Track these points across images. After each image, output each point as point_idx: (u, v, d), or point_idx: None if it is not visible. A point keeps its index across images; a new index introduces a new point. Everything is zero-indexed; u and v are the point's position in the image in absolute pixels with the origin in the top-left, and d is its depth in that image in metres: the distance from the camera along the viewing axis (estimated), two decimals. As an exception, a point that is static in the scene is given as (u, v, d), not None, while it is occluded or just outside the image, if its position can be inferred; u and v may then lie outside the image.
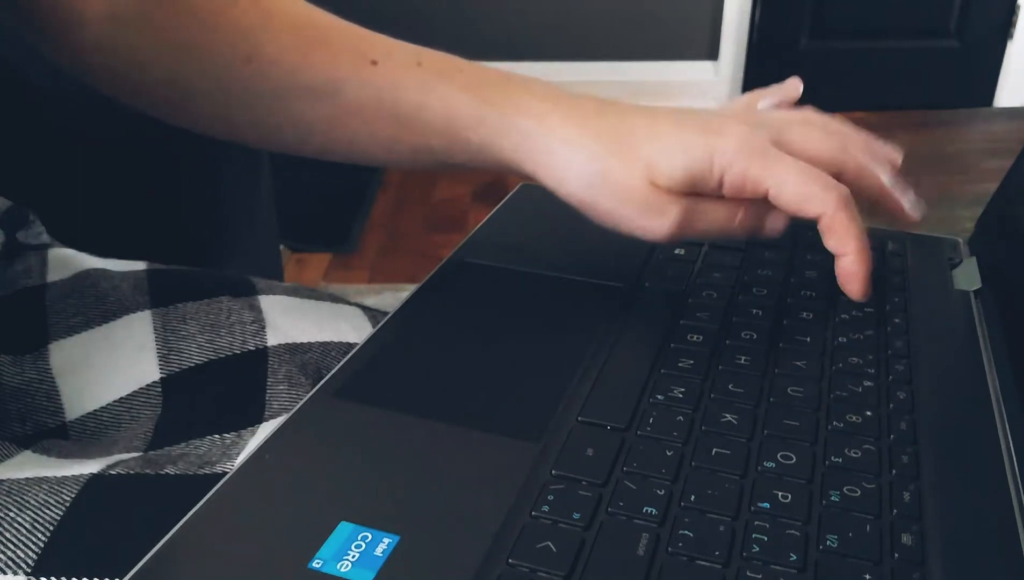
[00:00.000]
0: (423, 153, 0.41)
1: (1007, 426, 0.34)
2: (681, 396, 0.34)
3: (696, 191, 0.38)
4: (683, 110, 0.39)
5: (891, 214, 0.40)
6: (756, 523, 0.28)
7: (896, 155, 0.42)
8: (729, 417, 0.33)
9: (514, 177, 0.42)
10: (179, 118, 0.43)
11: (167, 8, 0.39)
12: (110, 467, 0.34)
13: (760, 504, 0.29)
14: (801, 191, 0.37)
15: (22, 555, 0.30)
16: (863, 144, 0.40)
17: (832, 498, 0.29)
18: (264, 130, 0.42)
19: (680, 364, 0.36)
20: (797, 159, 0.37)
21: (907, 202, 0.40)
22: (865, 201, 0.39)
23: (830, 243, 0.37)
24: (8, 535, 0.31)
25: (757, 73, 2.67)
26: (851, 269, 0.37)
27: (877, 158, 0.40)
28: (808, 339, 0.39)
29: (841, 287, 0.38)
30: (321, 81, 0.40)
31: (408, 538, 0.27)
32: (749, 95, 0.47)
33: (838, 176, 0.38)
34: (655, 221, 0.37)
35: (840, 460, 0.31)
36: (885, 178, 0.40)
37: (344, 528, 0.27)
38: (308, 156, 0.43)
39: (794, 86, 0.47)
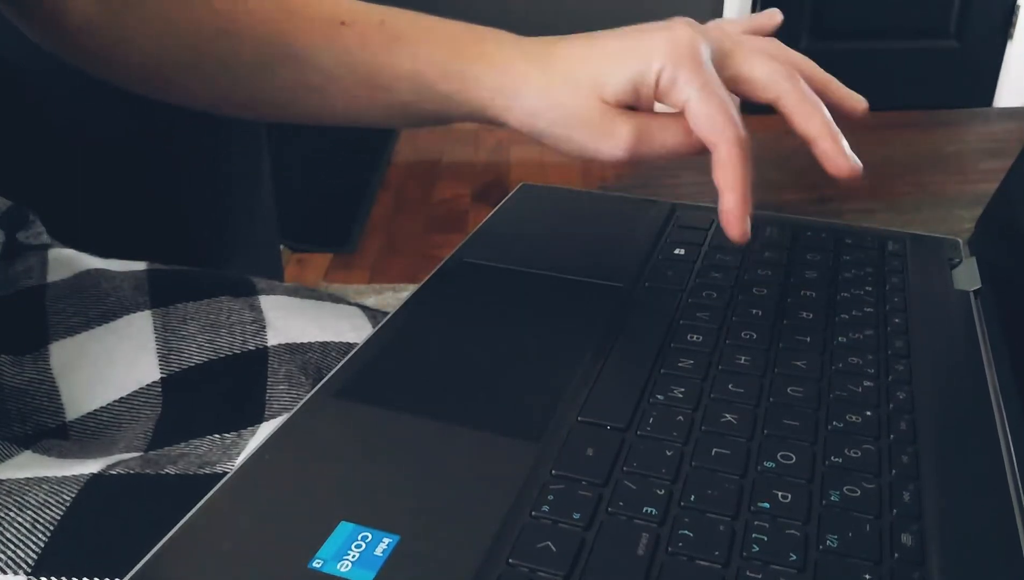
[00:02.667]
0: (398, 109, 0.43)
1: (1007, 426, 0.34)
2: (681, 396, 0.34)
3: (642, 100, 0.38)
4: (640, 24, 0.40)
5: (820, 162, 0.39)
6: (756, 523, 0.28)
7: (857, 103, 0.43)
8: (729, 417, 0.33)
9: (512, 175, 0.43)
10: (162, 93, 0.44)
11: None
12: (110, 467, 0.34)
13: (760, 504, 0.29)
14: (710, 114, 0.37)
15: (22, 555, 0.30)
16: (806, 83, 0.40)
17: (832, 498, 0.29)
18: (245, 100, 0.44)
19: (680, 364, 0.36)
20: (720, 82, 0.38)
21: (835, 149, 0.39)
22: (799, 139, 0.40)
23: (716, 176, 0.38)
24: (8, 535, 0.31)
25: (757, 73, 2.67)
26: (729, 205, 0.38)
27: (815, 102, 0.39)
28: (808, 339, 0.39)
29: (722, 227, 0.38)
30: (295, 49, 0.41)
31: (408, 538, 0.27)
32: (727, 19, 0.48)
33: (772, 105, 0.39)
34: (609, 140, 0.38)
35: (840, 460, 0.31)
36: (818, 121, 0.39)
37: (344, 528, 0.27)
38: (291, 122, 0.45)
39: (769, 15, 0.48)
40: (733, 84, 0.40)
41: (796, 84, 0.39)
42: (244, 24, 0.41)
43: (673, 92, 0.38)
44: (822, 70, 0.43)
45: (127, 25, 0.41)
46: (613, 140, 0.38)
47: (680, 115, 0.39)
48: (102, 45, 0.41)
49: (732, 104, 0.38)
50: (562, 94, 0.39)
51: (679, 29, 0.38)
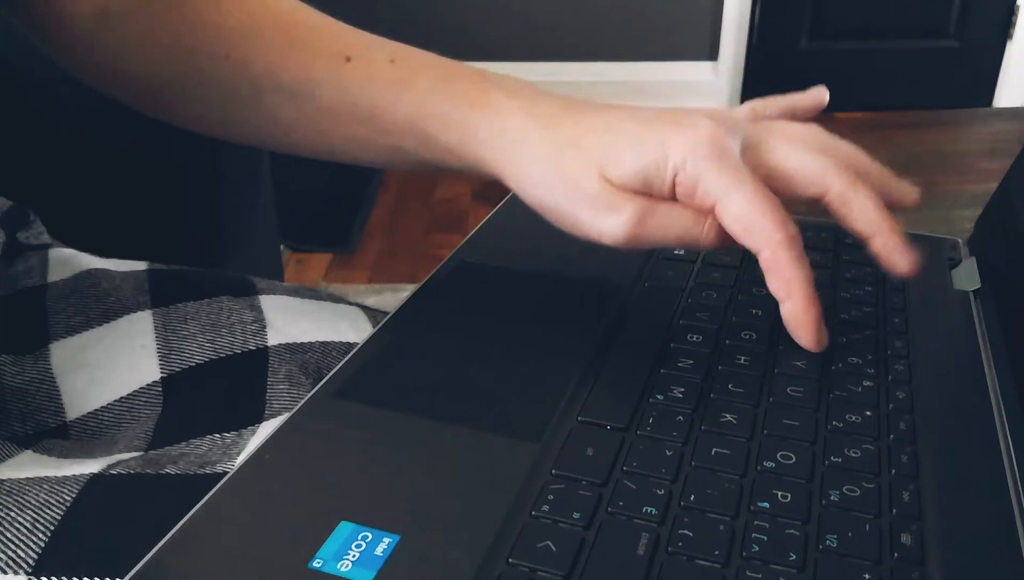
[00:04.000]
0: (397, 153, 0.41)
1: (1007, 426, 0.34)
2: (681, 396, 0.34)
3: (652, 191, 0.35)
4: (658, 109, 0.37)
5: (878, 260, 0.36)
6: (756, 523, 0.28)
7: (908, 193, 0.39)
8: (729, 417, 0.33)
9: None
10: (160, 112, 0.44)
11: (153, 5, 0.40)
12: (110, 467, 0.34)
13: (760, 504, 0.29)
14: (745, 214, 0.33)
15: (22, 555, 0.30)
16: (855, 175, 0.36)
17: (832, 498, 0.29)
18: (242, 127, 0.43)
19: (680, 364, 0.36)
20: (757, 178, 0.34)
21: (893, 246, 0.36)
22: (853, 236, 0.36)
23: (770, 284, 0.34)
24: (8, 535, 0.31)
25: (757, 74, 2.67)
26: (793, 317, 0.35)
27: (868, 194, 0.35)
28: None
29: (793, 337, 0.35)
30: (296, 81, 0.40)
31: (408, 538, 0.27)
32: (760, 101, 0.43)
33: (819, 201, 0.35)
34: (608, 220, 0.35)
35: (840, 460, 0.31)
36: (871, 215, 0.35)
37: (344, 528, 0.27)
38: (288, 153, 0.44)
39: (813, 95, 0.43)
40: (769, 179, 0.35)
41: (842, 175, 0.35)
42: (246, 51, 0.40)
43: (698, 192, 0.34)
44: (869, 158, 0.39)
45: (126, 40, 0.40)
46: (615, 218, 0.35)
47: (687, 203, 0.35)
48: (103, 61, 0.41)
49: (772, 197, 0.34)
50: (563, 161, 0.36)
51: (701, 123, 0.35)
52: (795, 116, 0.42)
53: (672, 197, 0.35)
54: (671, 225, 0.35)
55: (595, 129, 0.36)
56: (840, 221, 0.36)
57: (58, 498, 0.32)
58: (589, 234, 0.36)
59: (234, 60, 0.40)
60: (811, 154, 0.36)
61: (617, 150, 0.35)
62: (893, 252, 0.35)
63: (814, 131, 0.38)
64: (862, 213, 0.35)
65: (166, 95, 0.42)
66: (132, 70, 0.41)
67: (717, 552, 0.27)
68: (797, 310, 0.34)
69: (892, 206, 0.37)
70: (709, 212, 0.34)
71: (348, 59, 0.39)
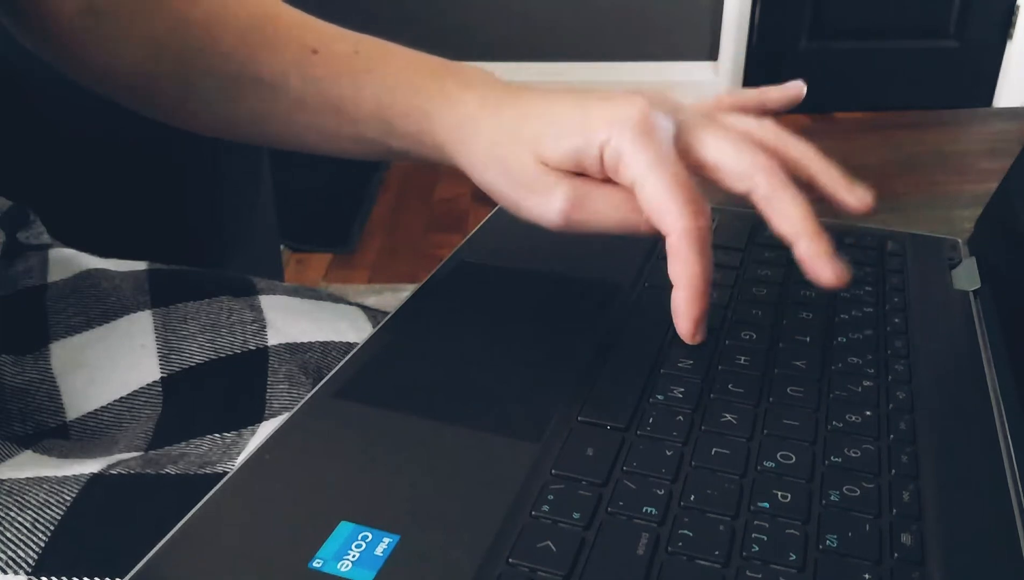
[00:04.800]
0: (366, 143, 0.41)
1: (1007, 426, 0.34)
2: (681, 396, 0.34)
3: (587, 172, 0.35)
4: (603, 90, 0.36)
5: (800, 266, 0.34)
6: (756, 523, 0.28)
7: (858, 199, 0.37)
8: (729, 417, 0.33)
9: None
10: (144, 108, 0.44)
11: (136, 2, 0.40)
12: (110, 467, 0.34)
13: (760, 504, 0.29)
14: (659, 196, 0.33)
15: (22, 555, 0.30)
16: (784, 176, 0.34)
17: (832, 498, 0.29)
18: (221, 122, 0.43)
19: (680, 364, 0.36)
20: (679, 162, 0.33)
21: (814, 252, 0.34)
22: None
23: (669, 269, 0.34)
24: (8, 535, 0.31)
25: (757, 73, 2.67)
26: (676, 305, 0.34)
27: (794, 196, 0.34)
28: (808, 339, 0.39)
29: (674, 323, 0.35)
30: (267, 74, 0.41)
31: (408, 538, 0.27)
32: (729, 93, 0.43)
33: (746, 199, 0.34)
34: (543, 201, 0.35)
35: (840, 460, 0.31)
36: (793, 218, 0.34)
37: (344, 528, 0.27)
38: (266, 146, 0.45)
39: (788, 88, 0.42)
40: (699, 170, 0.36)
41: (770, 174, 0.34)
42: (223, 45, 0.41)
43: (620, 169, 0.34)
44: (820, 158, 0.38)
45: (111, 37, 0.41)
46: (549, 199, 0.35)
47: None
48: (89, 56, 0.42)
49: (689, 183, 0.33)
50: (503, 147, 0.36)
51: (633, 100, 0.34)
52: (765, 110, 0.42)
53: (608, 176, 0.35)
54: (608, 209, 0.35)
55: (534, 113, 0.36)
56: (767, 222, 0.35)
57: (58, 498, 0.32)
58: (532, 218, 0.36)
59: (211, 55, 0.41)
60: (744, 149, 0.35)
61: (550, 131, 0.35)
62: (816, 259, 0.34)
63: (762, 126, 0.37)
64: (787, 215, 0.34)
65: (151, 91, 0.43)
66: (118, 66, 0.42)
67: (717, 552, 0.27)
68: (681, 300, 0.34)
69: (847, 212, 0.37)
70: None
71: (314, 51, 0.40)
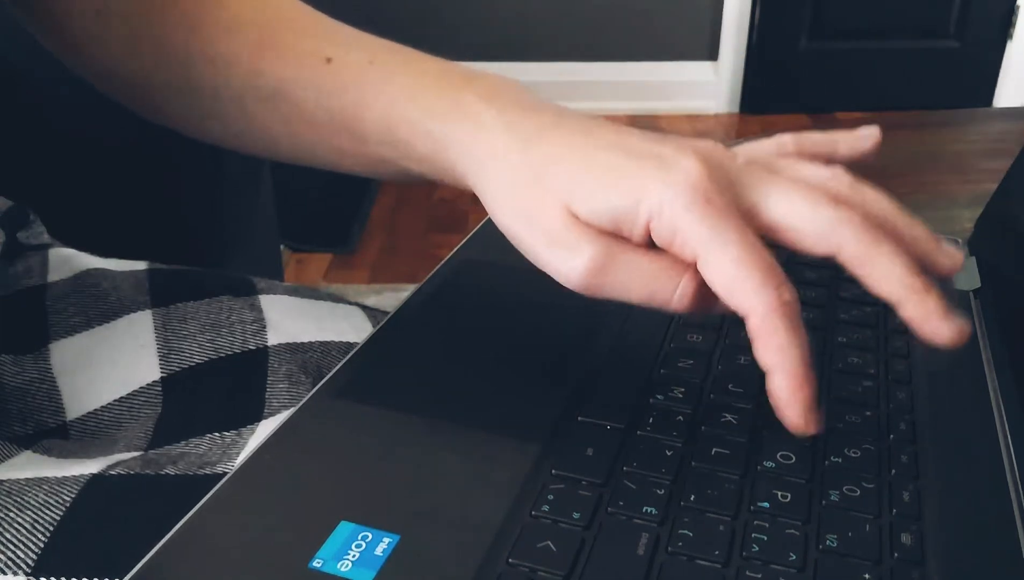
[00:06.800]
0: (380, 163, 0.38)
1: (1007, 426, 0.34)
2: (681, 396, 0.34)
3: (623, 234, 0.30)
4: (652, 137, 0.32)
5: (913, 330, 0.29)
6: (756, 523, 0.28)
7: (949, 257, 0.32)
8: (729, 417, 0.33)
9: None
10: (154, 114, 0.43)
11: (146, 7, 0.40)
12: (110, 467, 0.34)
13: (760, 504, 0.29)
14: (730, 274, 0.28)
15: (22, 555, 0.30)
16: (877, 230, 0.29)
17: (832, 498, 0.29)
18: (230, 133, 0.42)
19: (680, 364, 0.36)
20: (747, 231, 0.29)
21: (928, 312, 0.29)
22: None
23: (757, 354, 0.29)
24: (8, 535, 0.31)
25: (757, 74, 2.68)
26: (778, 392, 0.28)
27: (892, 251, 0.29)
28: (808, 339, 0.39)
29: (778, 416, 0.29)
30: (273, 83, 0.38)
31: (408, 538, 0.27)
32: (792, 136, 0.36)
33: (833, 257, 0.30)
34: (564, 258, 0.30)
35: (840, 460, 0.31)
36: (896, 276, 0.29)
37: (344, 528, 0.27)
38: (283, 162, 0.42)
39: (862, 137, 0.36)
40: (771, 233, 0.30)
41: (859, 231, 0.29)
42: (229, 50, 0.39)
43: (676, 243, 0.29)
44: (903, 213, 0.32)
45: (123, 39, 0.40)
46: (572, 257, 0.30)
47: (665, 254, 0.30)
48: (102, 59, 0.41)
49: (763, 252, 0.29)
50: (529, 189, 0.31)
51: (686, 160, 0.29)
52: (834, 159, 0.36)
53: (647, 244, 0.30)
54: (637, 279, 0.30)
55: (570, 156, 0.31)
56: (862, 284, 0.30)
57: (58, 499, 0.32)
58: (549, 272, 0.31)
59: (219, 62, 0.39)
60: (821, 205, 0.30)
61: (587, 183, 0.30)
62: (929, 319, 0.29)
63: (836, 177, 0.32)
64: (885, 275, 0.29)
65: (159, 96, 0.42)
66: (127, 69, 0.41)
67: (717, 552, 0.27)
68: (783, 389, 0.28)
69: (934, 274, 0.31)
70: (687, 268, 0.30)
71: (328, 60, 0.37)
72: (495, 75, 0.36)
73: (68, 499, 0.32)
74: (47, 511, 0.32)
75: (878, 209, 0.31)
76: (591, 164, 0.31)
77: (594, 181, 0.30)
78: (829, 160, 0.35)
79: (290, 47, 0.38)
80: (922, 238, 0.31)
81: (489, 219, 0.51)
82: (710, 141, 0.32)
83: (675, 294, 0.30)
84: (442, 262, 0.45)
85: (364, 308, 0.47)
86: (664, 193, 0.29)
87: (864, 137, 0.36)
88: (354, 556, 0.26)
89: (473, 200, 0.35)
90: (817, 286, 0.43)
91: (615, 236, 0.30)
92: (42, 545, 0.31)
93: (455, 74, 0.36)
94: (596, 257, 0.30)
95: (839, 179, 0.32)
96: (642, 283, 0.30)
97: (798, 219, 0.30)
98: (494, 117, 0.33)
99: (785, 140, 0.36)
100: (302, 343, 0.43)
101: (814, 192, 0.30)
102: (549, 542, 0.27)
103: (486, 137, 0.33)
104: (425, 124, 0.35)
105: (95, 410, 0.40)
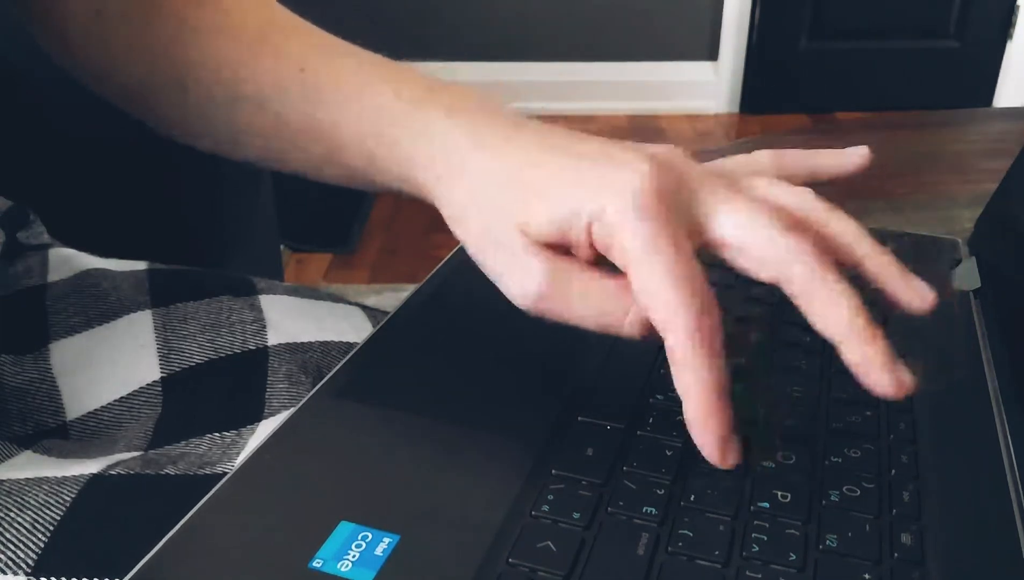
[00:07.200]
0: (356, 175, 0.37)
1: (1007, 426, 0.34)
2: (681, 396, 0.34)
3: (579, 252, 0.29)
4: (609, 140, 0.31)
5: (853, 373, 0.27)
6: (756, 523, 0.28)
7: (919, 297, 0.30)
8: (729, 417, 0.33)
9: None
10: (149, 118, 0.43)
11: (145, 8, 0.40)
12: (110, 467, 0.34)
13: (760, 504, 0.29)
14: (652, 286, 0.27)
15: (22, 555, 0.30)
16: (830, 265, 0.28)
17: (832, 498, 0.29)
18: (219, 140, 0.41)
19: (680, 364, 0.36)
20: (686, 244, 0.27)
21: (867, 358, 0.27)
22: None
23: (675, 378, 0.27)
24: (8, 535, 0.31)
25: (757, 74, 2.68)
26: (695, 424, 0.27)
27: (840, 291, 0.27)
28: (808, 339, 0.39)
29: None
30: (253, 90, 0.38)
31: (408, 538, 0.27)
32: (772, 153, 0.35)
33: (779, 285, 0.28)
34: (516, 277, 0.29)
35: (840, 460, 0.31)
36: (837, 316, 0.27)
37: (344, 528, 0.27)
38: (269, 170, 0.42)
39: (848, 155, 0.34)
40: (717, 250, 0.29)
41: (810, 262, 0.27)
42: (219, 55, 0.39)
43: (612, 249, 0.28)
44: (871, 241, 0.30)
45: (119, 42, 0.40)
46: (524, 277, 0.29)
47: (620, 276, 0.29)
48: (98, 62, 0.41)
49: (695, 271, 0.27)
50: (487, 208, 0.30)
51: (636, 163, 0.28)
52: (816, 178, 0.35)
53: (598, 261, 0.29)
54: (586, 301, 0.29)
55: (522, 172, 0.30)
56: (806, 319, 0.28)
57: (58, 498, 0.32)
58: (501, 289, 0.30)
59: (208, 67, 0.39)
60: (776, 228, 0.28)
61: (537, 201, 0.29)
62: (870, 368, 0.27)
63: (801, 197, 0.30)
64: (829, 313, 0.27)
65: (154, 99, 0.42)
66: (125, 71, 0.41)
67: (717, 552, 0.27)
68: (696, 419, 0.27)
69: (900, 310, 0.30)
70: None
71: (302, 69, 0.37)
72: (460, 87, 0.35)
73: (68, 499, 0.32)
74: (47, 511, 0.32)
75: (842, 231, 0.30)
76: (543, 173, 0.30)
77: (544, 191, 0.29)
78: (810, 179, 0.34)
79: (277, 53, 0.38)
80: (889, 270, 0.30)
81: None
82: (676, 148, 0.31)
83: (627, 319, 0.29)
84: (442, 262, 0.45)
85: (364, 308, 0.47)
86: (608, 196, 0.28)
87: (850, 155, 0.35)
88: (354, 556, 0.26)
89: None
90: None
91: (567, 256, 0.29)
92: (42, 545, 0.31)
93: (421, 87, 0.35)
94: (545, 276, 0.29)
95: (804, 199, 0.30)
96: (592, 306, 0.29)
97: (745, 241, 0.28)
98: (459, 134, 0.32)
99: (762, 157, 0.35)
100: (302, 343, 0.43)
101: (769, 215, 0.28)
102: (549, 542, 0.27)
103: (444, 157, 0.32)
104: (395, 140, 0.34)
105: (95, 410, 0.40)
